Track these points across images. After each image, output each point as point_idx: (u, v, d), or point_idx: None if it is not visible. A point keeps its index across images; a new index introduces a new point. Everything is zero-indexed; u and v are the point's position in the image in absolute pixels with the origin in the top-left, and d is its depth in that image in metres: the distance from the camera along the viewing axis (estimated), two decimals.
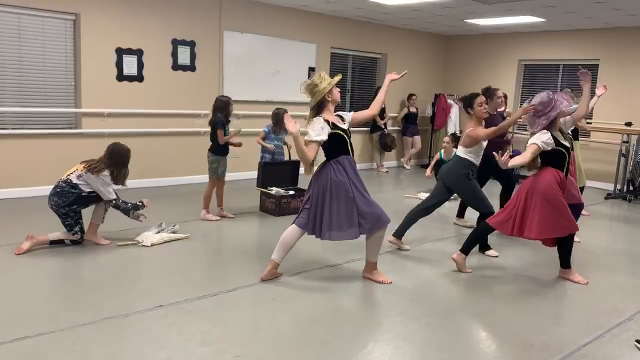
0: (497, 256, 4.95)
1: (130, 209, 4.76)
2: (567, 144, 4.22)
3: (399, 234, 5.08)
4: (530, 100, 4.25)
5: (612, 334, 3.46)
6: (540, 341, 3.31)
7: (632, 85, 9.00)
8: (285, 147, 6.72)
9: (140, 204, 4.81)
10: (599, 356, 3.15)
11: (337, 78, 3.94)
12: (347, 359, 3.00)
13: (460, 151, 4.87)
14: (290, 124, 3.70)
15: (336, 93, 3.92)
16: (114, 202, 4.70)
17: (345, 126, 3.99)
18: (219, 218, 5.91)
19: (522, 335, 3.40)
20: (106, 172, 4.62)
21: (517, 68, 10.67)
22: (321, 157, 3.97)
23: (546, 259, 4.90)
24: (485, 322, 3.61)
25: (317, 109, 3.92)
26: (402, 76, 4.25)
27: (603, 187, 8.96)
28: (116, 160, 4.67)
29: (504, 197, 5.57)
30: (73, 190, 4.59)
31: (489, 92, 5.39)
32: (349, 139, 4.00)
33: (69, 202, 4.59)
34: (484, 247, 5.03)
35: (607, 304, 3.99)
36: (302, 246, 4.64)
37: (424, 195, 7.68)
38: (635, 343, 2.89)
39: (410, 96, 10.57)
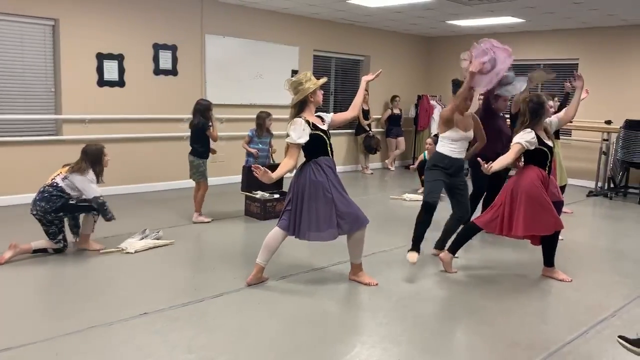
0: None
1: (109, 213, 4.69)
2: (550, 143, 4.26)
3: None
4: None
5: (596, 330, 3.50)
6: (526, 339, 3.34)
7: (611, 83, 9.13)
8: (270, 150, 6.73)
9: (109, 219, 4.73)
10: (583, 352, 3.19)
11: (323, 80, 3.95)
12: None
13: (438, 143, 4.70)
14: (265, 177, 3.76)
15: (319, 95, 3.95)
16: (100, 199, 4.59)
17: (325, 127, 4.00)
18: (210, 220, 5.93)
19: (507, 334, 3.42)
20: (91, 172, 4.59)
21: None
22: (301, 158, 3.98)
23: (530, 258, 4.94)
24: (471, 322, 3.63)
25: (299, 107, 3.93)
26: (376, 76, 4.26)
27: (584, 185, 9.07)
28: (93, 159, 4.63)
29: (489, 198, 5.47)
30: (61, 194, 4.53)
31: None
32: (329, 140, 4.02)
33: (56, 207, 4.52)
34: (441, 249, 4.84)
35: (590, 301, 4.04)
36: (287, 250, 4.63)
37: (409, 196, 7.73)
38: (618, 339, 2.93)
39: (393, 98, 10.62)
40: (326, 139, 3.98)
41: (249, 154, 6.56)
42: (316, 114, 4.03)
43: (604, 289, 4.30)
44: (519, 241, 5.59)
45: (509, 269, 4.75)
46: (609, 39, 9.24)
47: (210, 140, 5.84)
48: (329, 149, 4.01)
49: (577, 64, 9.64)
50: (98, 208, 4.63)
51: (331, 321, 3.55)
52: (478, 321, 3.63)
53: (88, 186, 4.56)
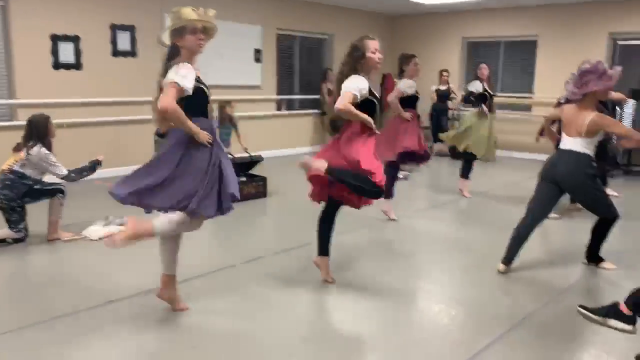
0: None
1: (88, 169, 4.62)
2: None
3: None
4: None
5: (557, 301, 3.61)
6: (491, 311, 3.44)
7: (570, 60, 9.25)
8: (239, 139, 6.70)
9: (96, 162, 4.68)
10: (544, 323, 3.29)
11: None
12: None
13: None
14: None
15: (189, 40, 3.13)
16: (70, 176, 4.50)
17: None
18: None
19: (474, 307, 3.51)
20: (44, 149, 4.42)
21: (461, 46, 10.87)
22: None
23: (495, 236, 5.05)
24: (439, 298, 3.70)
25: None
26: None
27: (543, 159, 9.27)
28: (40, 131, 4.46)
29: None
30: (23, 181, 4.40)
31: None
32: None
33: (21, 194, 4.41)
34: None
35: (549, 273, 4.15)
36: (251, 233, 4.60)
37: None
38: (579, 308, 3.03)
39: None
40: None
41: None
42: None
43: (563, 261, 4.42)
44: (483, 220, 5.73)
45: (471, 247, 4.85)
46: (568, 15, 9.41)
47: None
48: None
49: (536, 40, 9.80)
50: (76, 179, 4.55)
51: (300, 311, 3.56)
52: (446, 296, 3.71)
53: (54, 168, 4.43)
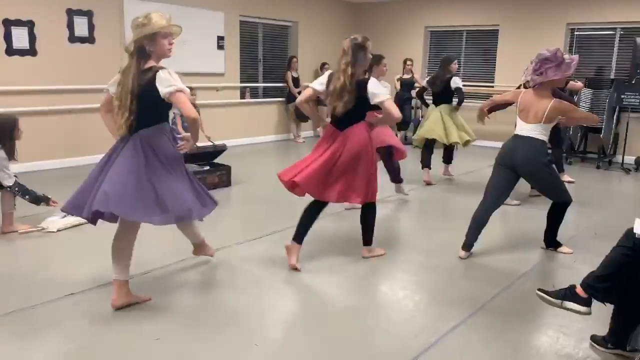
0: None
1: (32, 196, 4.42)
2: None
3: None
4: None
5: (517, 285, 3.71)
6: (453, 297, 3.50)
7: (531, 49, 9.31)
8: (201, 127, 6.58)
9: (47, 201, 4.48)
10: (507, 307, 3.38)
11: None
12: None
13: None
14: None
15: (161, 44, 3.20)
16: (15, 189, 4.33)
17: None
18: None
19: (436, 293, 3.58)
20: (2, 153, 4.26)
21: (424, 35, 10.95)
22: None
23: (444, 223, 5.14)
24: (403, 284, 3.75)
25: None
26: None
27: None
28: (2, 134, 4.30)
29: None
30: None
31: None
32: None
33: None
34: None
35: (509, 257, 4.25)
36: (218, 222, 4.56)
37: None
38: (538, 292, 3.10)
39: (322, 65, 10.55)
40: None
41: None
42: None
43: (521, 246, 4.53)
44: (444, 207, 5.81)
45: (433, 234, 4.92)
46: (529, 6, 9.59)
47: None
48: None
49: (498, 30, 9.96)
50: (16, 193, 4.36)
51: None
52: (405, 283, 3.76)
53: (2, 174, 4.26)
